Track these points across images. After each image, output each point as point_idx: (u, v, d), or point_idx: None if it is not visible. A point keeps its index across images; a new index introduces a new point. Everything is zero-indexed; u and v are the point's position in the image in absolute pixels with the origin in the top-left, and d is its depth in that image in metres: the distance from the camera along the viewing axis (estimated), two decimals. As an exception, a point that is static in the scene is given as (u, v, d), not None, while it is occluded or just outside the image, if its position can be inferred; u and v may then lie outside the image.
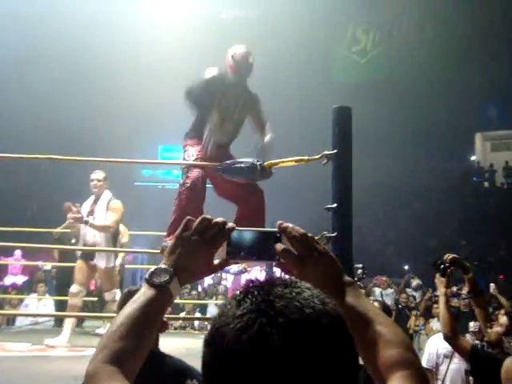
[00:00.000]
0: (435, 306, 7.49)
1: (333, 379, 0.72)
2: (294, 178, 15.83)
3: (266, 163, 3.62)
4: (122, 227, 6.89)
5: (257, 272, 11.03)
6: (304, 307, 0.74)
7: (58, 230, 7.12)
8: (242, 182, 4.02)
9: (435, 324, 7.48)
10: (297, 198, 18.05)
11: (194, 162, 4.16)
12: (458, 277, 4.42)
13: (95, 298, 7.73)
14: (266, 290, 0.76)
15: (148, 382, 1.53)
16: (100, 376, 0.88)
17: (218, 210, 4.21)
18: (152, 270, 0.98)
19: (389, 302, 8.82)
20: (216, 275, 11.21)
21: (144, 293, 0.96)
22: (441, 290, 3.18)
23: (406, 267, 15.75)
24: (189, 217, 1.03)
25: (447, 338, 3.18)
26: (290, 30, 18.91)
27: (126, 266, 9.81)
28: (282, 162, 3.50)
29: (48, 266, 9.64)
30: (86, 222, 5.50)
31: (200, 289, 11.81)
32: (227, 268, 1.26)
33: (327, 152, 2.99)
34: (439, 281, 3.16)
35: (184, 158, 4.27)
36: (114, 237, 5.84)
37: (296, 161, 3.36)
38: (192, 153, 4.20)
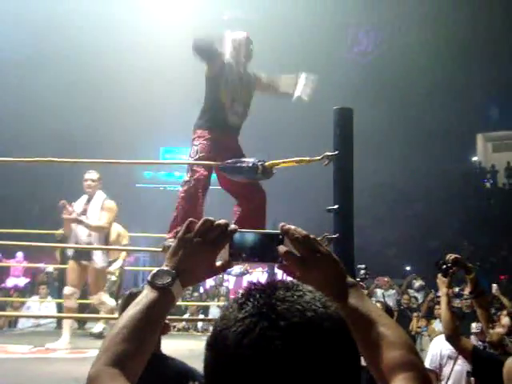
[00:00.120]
0: (437, 306, 7.48)
1: (335, 382, 0.72)
2: (295, 178, 15.84)
3: (267, 163, 3.63)
4: (121, 229, 6.89)
5: (258, 273, 11.02)
6: (306, 310, 0.74)
7: (61, 231, 7.13)
8: (243, 182, 4.02)
9: (437, 325, 7.47)
10: (298, 199, 18.05)
11: (196, 162, 4.15)
12: (460, 277, 4.42)
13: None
14: (268, 293, 0.76)
15: (150, 384, 1.53)
16: (102, 379, 0.88)
17: (219, 211, 4.21)
18: (154, 271, 0.98)
19: (390, 303, 8.81)
20: (218, 277, 11.20)
21: (146, 295, 0.96)
22: (443, 290, 3.18)
23: (408, 268, 15.74)
24: (191, 218, 1.03)
25: (449, 339, 3.18)
26: (291, 31, 18.93)
27: (128, 268, 9.82)
28: (284, 162, 3.50)
29: (50, 267, 9.65)
30: (80, 222, 5.51)
31: (202, 290, 11.82)
32: (229, 270, 1.26)
33: (328, 153, 3.00)
34: (441, 281, 3.16)
35: (190, 155, 4.25)
36: (106, 237, 5.85)
37: (297, 161, 3.36)
38: (198, 149, 4.17)
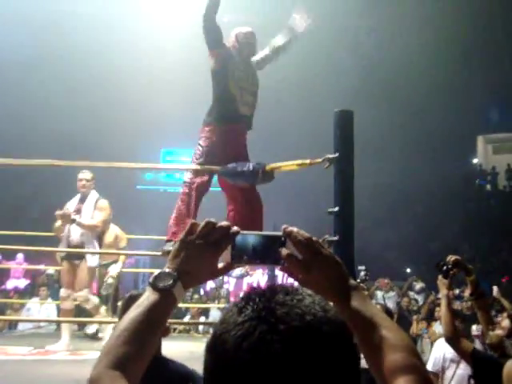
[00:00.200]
0: (438, 309, 7.48)
1: None
2: (295, 180, 15.83)
3: (267, 167, 3.63)
4: (119, 231, 6.88)
5: (259, 275, 11.02)
6: (305, 314, 0.74)
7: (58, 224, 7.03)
8: (243, 186, 4.02)
9: (438, 327, 7.46)
10: (298, 201, 18.04)
11: (197, 166, 4.15)
12: (461, 279, 4.41)
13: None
14: (268, 297, 0.76)
15: (151, 387, 1.53)
16: (103, 381, 0.88)
17: (221, 214, 4.22)
18: (156, 274, 0.98)
19: (391, 305, 8.81)
20: (218, 279, 11.20)
21: (148, 297, 0.96)
22: (443, 292, 3.18)
23: (408, 270, 15.73)
24: (193, 220, 1.03)
25: (449, 340, 3.18)
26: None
27: (128, 270, 9.81)
28: (284, 165, 3.50)
29: (50, 269, 9.64)
30: (74, 221, 5.51)
31: (202, 292, 11.81)
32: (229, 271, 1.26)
33: (329, 155, 3.00)
34: (441, 282, 3.16)
35: (195, 155, 4.22)
36: (99, 237, 5.83)
37: (298, 164, 3.36)
38: (203, 150, 4.14)
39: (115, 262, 6.78)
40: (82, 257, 5.72)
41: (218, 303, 10.34)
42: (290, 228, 1.00)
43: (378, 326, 0.95)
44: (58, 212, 5.54)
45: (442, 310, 3.24)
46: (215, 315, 9.37)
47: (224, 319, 0.77)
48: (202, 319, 9.50)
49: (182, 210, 4.09)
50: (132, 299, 2.32)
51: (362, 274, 4.44)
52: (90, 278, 5.90)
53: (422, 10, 20.54)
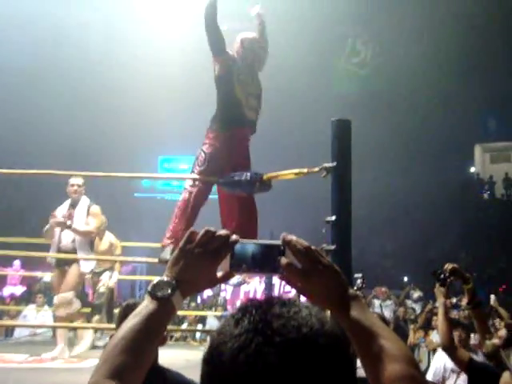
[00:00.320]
0: (435, 318, 7.46)
1: None
2: (292, 188, 15.83)
3: (265, 176, 3.63)
4: (113, 239, 6.85)
5: (256, 283, 11.00)
6: (301, 326, 0.74)
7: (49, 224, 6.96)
8: (241, 195, 4.02)
9: (435, 336, 7.44)
10: (294, 210, 18.03)
11: (194, 176, 4.15)
12: (458, 288, 4.41)
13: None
14: (264, 309, 0.77)
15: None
16: None
17: (219, 222, 4.22)
18: (154, 282, 0.98)
19: (388, 313, 8.79)
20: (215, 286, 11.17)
21: (146, 306, 0.96)
22: (440, 300, 3.17)
23: (406, 279, 15.72)
24: (192, 229, 1.02)
25: (445, 349, 3.17)
26: (290, 42, 19.01)
27: (125, 278, 9.78)
28: (282, 174, 3.50)
29: (47, 276, 9.61)
30: (69, 227, 5.48)
31: (199, 300, 11.79)
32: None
33: (326, 165, 3.00)
34: (439, 291, 3.16)
35: (197, 163, 4.21)
36: (91, 242, 5.80)
37: (295, 173, 3.36)
38: (207, 157, 4.11)
39: (108, 269, 6.74)
40: (72, 262, 5.64)
41: (215, 311, 10.32)
42: (290, 237, 1.00)
43: (377, 335, 0.95)
44: (54, 219, 5.52)
45: (438, 319, 3.24)
46: (212, 323, 9.36)
47: (221, 331, 0.77)
48: (199, 327, 9.48)
49: (178, 216, 4.10)
50: (129, 308, 2.32)
51: (359, 281, 4.42)
52: (79, 282, 5.81)
53: (420, 19, 20.64)
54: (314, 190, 9.45)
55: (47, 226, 5.68)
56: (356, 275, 4.34)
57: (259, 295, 11.74)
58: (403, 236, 18.10)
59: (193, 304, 10.40)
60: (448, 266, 3.13)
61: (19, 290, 11.84)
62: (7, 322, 8.68)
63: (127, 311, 2.02)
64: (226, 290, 12.49)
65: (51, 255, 5.72)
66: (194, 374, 0.86)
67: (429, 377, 4.76)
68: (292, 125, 20.12)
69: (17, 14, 17.57)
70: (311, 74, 20.11)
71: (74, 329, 6.30)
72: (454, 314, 7.22)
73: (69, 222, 5.48)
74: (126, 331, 0.93)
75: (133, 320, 0.95)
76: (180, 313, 8.92)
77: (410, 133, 20.92)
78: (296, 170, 3.38)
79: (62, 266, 5.68)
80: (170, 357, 3.74)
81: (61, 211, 5.69)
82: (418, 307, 10.00)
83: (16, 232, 9.76)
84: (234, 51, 4.29)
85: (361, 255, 12.35)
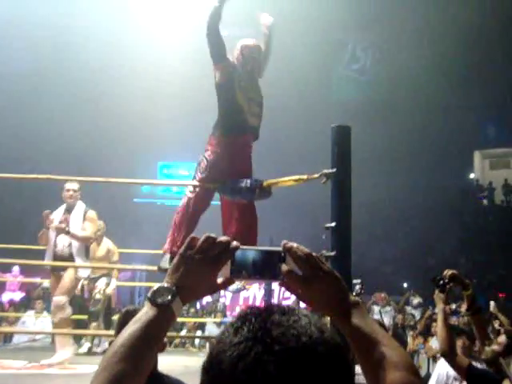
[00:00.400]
0: (434, 324, 7.45)
1: None
2: (292, 194, 15.83)
3: (265, 183, 3.63)
4: (111, 245, 6.84)
5: (255, 290, 10.99)
6: (301, 335, 0.74)
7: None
8: (241, 202, 4.02)
9: (434, 342, 7.43)
10: (294, 216, 18.03)
11: (194, 182, 4.15)
12: (458, 294, 4.40)
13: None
14: (264, 318, 0.76)
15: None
16: None
17: (220, 228, 4.22)
18: (154, 288, 0.97)
19: (387, 319, 8.77)
20: (215, 293, 11.14)
21: (146, 312, 0.95)
22: (439, 306, 3.16)
23: (405, 285, 15.70)
24: (193, 235, 1.02)
25: (444, 355, 3.16)
26: (289, 48, 19.08)
27: (125, 284, 9.76)
28: (282, 181, 3.51)
29: (46, 282, 9.60)
30: (68, 232, 5.47)
31: (198, 306, 11.76)
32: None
33: (326, 171, 3.00)
34: (438, 297, 3.15)
35: (199, 169, 4.20)
36: (87, 248, 5.77)
37: (295, 180, 3.37)
38: (209, 164, 4.09)
39: (105, 275, 6.72)
40: (67, 268, 5.60)
41: (215, 317, 10.31)
42: (290, 243, 1.00)
43: (377, 343, 0.95)
44: (54, 225, 5.50)
45: (438, 325, 3.23)
46: (211, 329, 9.34)
47: (220, 339, 0.77)
48: (198, 333, 9.47)
49: (177, 222, 4.09)
50: (128, 314, 2.32)
51: (358, 287, 4.42)
52: (73, 287, 5.74)
53: (420, 26, 20.71)
54: (314, 197, 9.46)
55: (41, 232, 5.66)
56: (355, 281, 4.34)
57: (259, 301, 11.73)
58: (403, 242, 18.09)
59: (192, 310, 10.38)
60: (447, 272, 3.13)
61: (18, 295, 11.83)
62: (6, 328, 8.66)
63: (127, 318, 2.01)
64: (226, 296, 12.48)
65: (48, 263, 5.68)
66: (193, 380, 0.86)
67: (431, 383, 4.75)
68: (292, 131, 20.14)
69: (18, 21, 17.62)
70: (311, 80, 20.16)
71: (74, 335, 6.29)
72: (454, 320, 7.21)
73: (67, 228, 5.47)
74: (125, 338, 0.93)
75: (132, 327, 0.94)
76: (179, 319, 8.91)
77: (410, 139, 20.94)
78: (296, 177, 3.38)
79: (58, 271, 5.65)
80: (169, 363, 3.73)
81: (56, 216, 5.64)
82: (417, 313, 9.98)
83: (15, 238, 9.76)
84: (234, 58, 4.29)
85: (360, 261, 12.34)
